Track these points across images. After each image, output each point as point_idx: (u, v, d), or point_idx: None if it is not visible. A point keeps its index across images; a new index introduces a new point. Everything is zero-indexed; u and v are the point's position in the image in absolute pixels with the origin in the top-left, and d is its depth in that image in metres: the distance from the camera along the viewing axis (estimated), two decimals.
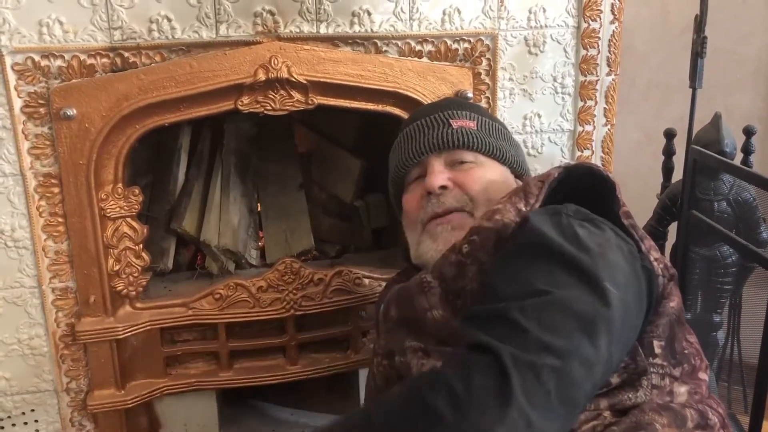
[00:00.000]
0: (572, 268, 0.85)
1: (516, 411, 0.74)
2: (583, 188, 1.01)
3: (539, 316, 0.81)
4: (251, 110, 1.43)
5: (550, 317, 0.81)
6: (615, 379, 0.89)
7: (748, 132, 1.66)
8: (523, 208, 0.98)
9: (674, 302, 0.96)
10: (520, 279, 0.87)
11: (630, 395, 0.88)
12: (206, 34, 1.38)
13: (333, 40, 1.45)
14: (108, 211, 1.42)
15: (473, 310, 0.90)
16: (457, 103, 1.34)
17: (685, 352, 0.96)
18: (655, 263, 0.96)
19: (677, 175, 1.73)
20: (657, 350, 0.92)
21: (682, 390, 0.93)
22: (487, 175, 1.18)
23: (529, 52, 1.55)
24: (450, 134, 1.20)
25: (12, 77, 1.32)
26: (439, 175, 1.17)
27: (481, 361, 0.79)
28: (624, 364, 0.89)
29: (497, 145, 1.22)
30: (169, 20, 1.36)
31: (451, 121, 1.22)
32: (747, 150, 1.66)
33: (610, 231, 0.93)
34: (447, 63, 1.51)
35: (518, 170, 1.26)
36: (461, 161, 1.19)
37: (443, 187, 1.16)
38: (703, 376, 0.98)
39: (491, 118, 1.29)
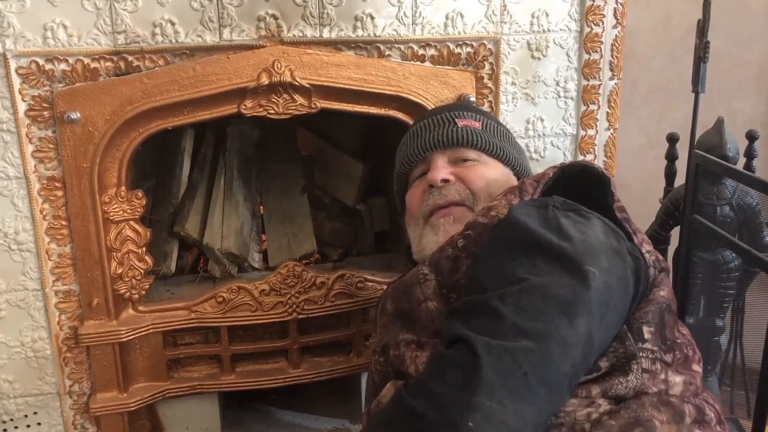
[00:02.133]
0: (553, 256, 0.87)
1: (485, 396, 0.75)
2: (579, 186, 1.02)
3: (517, 302, 0.82)
4: (254, 114, 1.43)
5: (529, 302, 0.82)
6: (604, 364, 0.89)
7: (751, 136, 1.66)
8: None
9: (664, 291, 0.97)
10: (502, 270, 0.89)
11: (621, 380, 0.88)
12: (210, 38, 1.38)
13: (336, 44, 1.45)
14: (111, 214, 1.43)
15: (457, 303, 0.92)
16: (463, 105, 1.37)
17: (678, 341, 0.97)
18: (646, 255, 0.97)
19: (680, 179, 1.73)
20: (647, 335, 0.92)
21: (677, 380, 0.92)
22: (490, 173, 1.20)
23: (532, 57, 1.56)
24: (455, 132, 1.22)
25: (16, 81, 1.33)
26: (441, 169, 1.20)
27: (456, 355, 0.81)
28: (613, 348, 0.90)
29: (500, 145, 1.24)
30: (173, 24, 1.36)
31: (456, 120, 1.25)
32: (750, 154, 1.66)
33: (597, 219, 0.94)
34: (450, 67, 1.51)
35: (521, 173, 1.27)
36: (464, 159, 1.22)
37: (445, 181, 1.18)
38: (697, 368, 0.99)
39: (497, 121, 1.32)
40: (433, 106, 1.47)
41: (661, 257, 1.01)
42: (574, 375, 0.84)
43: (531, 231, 0.90)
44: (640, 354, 0.90)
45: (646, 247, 0.99)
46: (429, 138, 1.24)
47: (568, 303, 0.83)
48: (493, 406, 0.75)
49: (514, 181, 1.23)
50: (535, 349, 0.79)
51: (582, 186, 1.03)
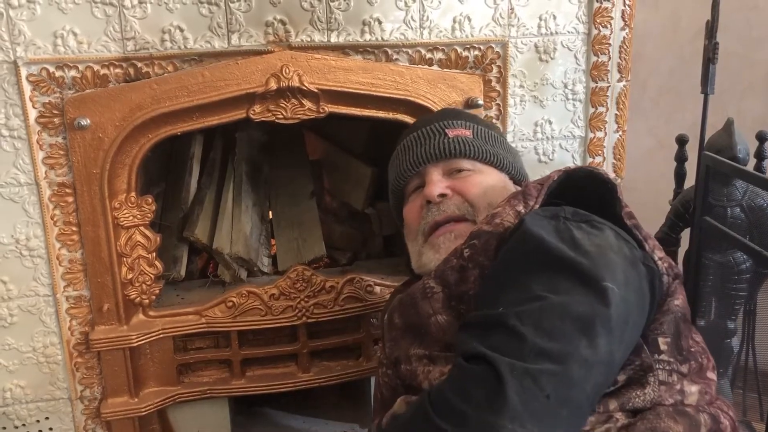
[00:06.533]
0: (570, 272, 0.85)
1: (508, 419, 0.75)
2: (585, 191, 1.01)
3: (537, 322, 0.81)
4: (263, 119, 1.44)
5: (548, 322, 0.81)
6: (621, 377, 0.88)
7: (761, 137, 1.65)
8: (522, 211, 0.99)
9: (679, 300, 0.96)
10: (518, 285, 0.87)
11: (638, 393, 0.88)
12: (218, 44, 1.39)
13: (344, 49, 1.45)
14: (121, 219, 1.43)
15: (471, 317, 0.91)
16: (452, 113, 1.35)
17: (692, 350, 0.96)
18: (659, 262, 0.96)
19: (689, 181, 1.73)
20: (663, 347, 0.91)
21: (693, 389, 0.92)
22: (486, 181, 1.19)
23: (540, 59, 1.55)
24: (446, 143, 1.21)
25: (27, 88, 1.34)
26: (437, 184, 1.19)
27: (477, 372, 0.79)
28: (629, 361, 0.89)
29: (494, 152, 1.23)
30: (182, 30, 1.37)
31: (447, 130, 1.23)
32: (760, 155, 1.65)
33: (609, 230, 0.93)
34: (457, 71, 1.51)
35: (516, 177, 1.26)
36: (459, 169, 1.21)
37: (442, 195, 1.17)
38: (712, 375, 0.98)
39: (487, 126, 1.30)
40: (440, 109, 1.47)
41: (674, 264, 1.00)
42: (595, 394, 0.84)
43: (546, 244, 0.88)
44: (657, 366, 0.89)
45: (658, 254, 0.98)
46: (421, 152, 1.22)
47: (588, 322, 0.82)
48: (515, 429, 0.74)
49: (511, 186, 1.23)
50: (558, 371, 0.78)
51: (588, 191, 1.02)
